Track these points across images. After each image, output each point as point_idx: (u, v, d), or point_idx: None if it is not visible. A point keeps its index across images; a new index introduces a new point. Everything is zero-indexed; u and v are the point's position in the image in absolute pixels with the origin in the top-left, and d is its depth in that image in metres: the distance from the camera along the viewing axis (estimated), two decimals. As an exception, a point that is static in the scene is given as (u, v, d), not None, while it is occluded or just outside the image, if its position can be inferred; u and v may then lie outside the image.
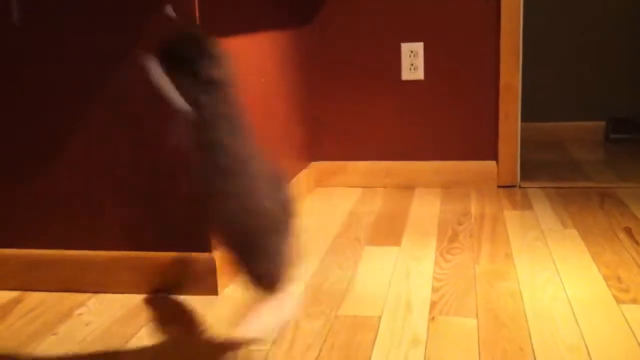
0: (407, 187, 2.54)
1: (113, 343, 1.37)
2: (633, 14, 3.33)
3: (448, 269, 1.72)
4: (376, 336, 1.36)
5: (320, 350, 1.31)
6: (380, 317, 1.45)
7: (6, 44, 1.57)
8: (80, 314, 1.52)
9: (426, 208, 2.27)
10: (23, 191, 1.64)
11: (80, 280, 1.63)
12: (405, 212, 2.23)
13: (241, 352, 1.31)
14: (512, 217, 2.13)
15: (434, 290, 1.59)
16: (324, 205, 2.35)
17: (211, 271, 1.58)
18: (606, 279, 1.61)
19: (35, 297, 1.62)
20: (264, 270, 1.05)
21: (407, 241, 1.94)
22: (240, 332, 1.04)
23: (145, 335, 1.40)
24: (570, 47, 3.38)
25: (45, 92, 1.58)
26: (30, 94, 1.59)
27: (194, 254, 1.58)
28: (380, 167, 2.55)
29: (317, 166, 2.58)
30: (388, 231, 2.04)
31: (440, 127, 2.52)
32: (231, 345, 1.35)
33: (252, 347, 1.33)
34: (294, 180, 2.31)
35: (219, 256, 1.59)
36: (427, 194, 2.45)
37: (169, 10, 1.16)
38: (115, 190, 1.60)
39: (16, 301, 1.60)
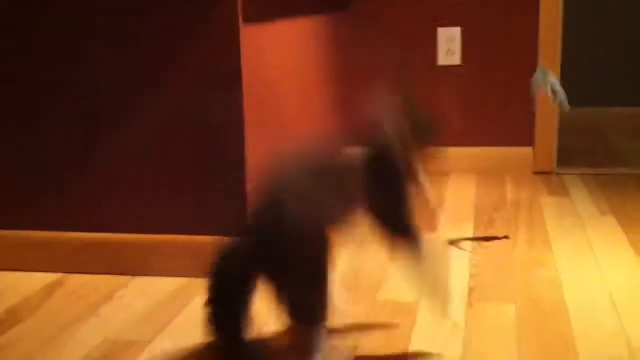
0: (443, 173, 2.53)
1: (153, 326, 1.40)
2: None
3: (485, 255, 1.71)
4: (415, 321, 1.37)
5: (361, 335, 1.32)
6: (418, 303, 1.45)
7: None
8: (122, 297, 1.54)
9: (462, 194, 2.26)
10: (67, 176, 1.66)
11: (122, 263, 1.66)
12: (441, 198, 2.23)
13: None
14: (548, 204, 2.11)
15: (472, 276, 1.59)
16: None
17: (250, 255, 1.59)
18: (647, 267, 1.60)
19: (77, 279, 1.65)
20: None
21: (443, 227, 1.93)
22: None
23: (185, 319, 1.42)
24: (614, 29, 3.32)
25: (98, 78, 1.61)
26: (85, 82, 1.61)
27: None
28: (415, 152, 2.54)
29: (351, 151, 2.58)
30: (424, 217, 2.03)
31: (477, 113, 2.50)
32: (269, 332, 1.36)
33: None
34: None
35: (257, 241, 1.61)
36: (463, 179, 2.44)
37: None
38: (158, 174, 1.62)
39: (58, 283, 1.63)
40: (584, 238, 1.80)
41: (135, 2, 1.54)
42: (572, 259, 1.67)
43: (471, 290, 1.51)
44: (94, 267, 1.68)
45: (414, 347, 1.27)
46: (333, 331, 1.26)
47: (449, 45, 2.47)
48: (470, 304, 1.44)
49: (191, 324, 1.40)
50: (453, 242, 1.63)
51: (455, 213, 2.06)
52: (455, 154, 2.52)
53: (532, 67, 2.43)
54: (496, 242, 1.78)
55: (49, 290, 1.60)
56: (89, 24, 1.57)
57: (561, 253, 1.71)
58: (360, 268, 1.66)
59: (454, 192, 2.28)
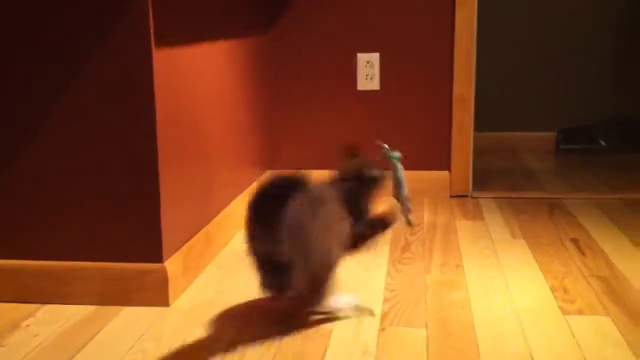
0: (362, 196, 2.55)
1: (61, 355, 1.36)
2: (583, 28, 3.41)
3: (399, 279, 1.74)
4: (327, 347, 1.37)
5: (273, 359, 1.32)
6: (332, 328, 1.46)
7: (-46, 50, 1.55)
8: (28, 326, 1.50)
9: (380, 217, 2.29)
10: (-30, 200, 1.61)
11: (29, 290, 1.61)
12: (359, 221, 2.25)
13: (191, 365, 1.31)
14: (463, 227, 2.16)
15: (385, 300, 1.60)
16: (279, 213, 2.35)
17: (162, 282, 1.57)
18: (553, 289, 1.65)
19: (-18, 307, 1.59)
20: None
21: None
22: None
23: (93, 348, 1.39)
24: (523, 59, 3.45)
25: (5, 97, 1.56)
26: (-22, 101, 1.57)
27: (146, 264, 1.57)
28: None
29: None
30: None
31: (395, 137, 2.55)
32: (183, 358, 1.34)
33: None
34: (250, 187, 2.31)
35: (170, 267, 1.59)
36: (381, 203, 2.47)
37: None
38: (64, 199, 1.58)
39: (-38, 312, 1.57)
40: (495, 261, 1.85)
41: (47, 21, 1.51)
42: (483, 282, 1.71)
43: (384, 315, 1.52)
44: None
45: (325, 373, 1.27)
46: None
47: (368, 70, 2.51)
48: (382, 329, 1.45)
49: (100, 352, 1.37)
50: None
51: (372, 236, 2.08)
52: (375, 177, 2.55)
53: (447, 93, 2.49)
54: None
55: (-49, 320, 1.53)
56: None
57: (472, 276, 1.75)
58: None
59: (373, 215, 2.30)
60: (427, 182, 2.54)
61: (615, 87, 3.43)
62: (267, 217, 1.39)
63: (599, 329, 1.44)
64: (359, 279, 1.74)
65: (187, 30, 1.75)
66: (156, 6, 1.51)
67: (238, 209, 2.15)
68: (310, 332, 1.44)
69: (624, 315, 1.50)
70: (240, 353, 1.35)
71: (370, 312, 1.52)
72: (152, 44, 1.50)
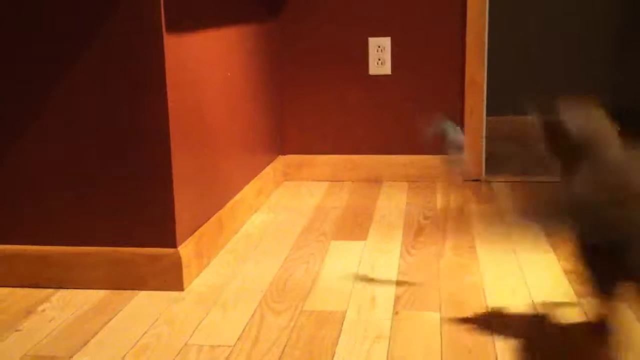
0: (375, 181, 2.55)
1: (77, 339, 1.37)
2: (598, 10, 3.38)
3: (413, 262, 1.74)
4: (340, 331, 1.37)
5: (285, 346, 1.32)
6: (345, 312, 1.46)
7: (-33, 37, 1.55)
8: (44, 310, 1.51)
9: (393, 202, 2.29)
10: (-15, 186, 1.62)
11: (44, 275, 1.62)
12: (372, 206, 2.25)
13: (205, 349, 1.32)
14: (476, 211, 2.16)
15: (399, 284, 1.60)
16: (291, 199, 2.36)
17: (176, 266, 1.57)
18: (567, 272, 1.64)
19: (-3, 293, 1.61)
20: None
21: (373, 235, 1.95)
22: None
23: (108, 332, 1.40)
24: (536, 41, 3.42)
25: (14, 80, 1.56)
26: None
27: (159, 249, 1.58)
28: (347, 160, 2.56)
29: (284, 160, 2.59)
30: (354, 225, 2.05)
31: (407, 121, 2.54)
32: (196, 343, 1.35)
33: (217, 344, 1.33)
34: (261, 174, 2.31)
35: (184, 252, 1.59)
36: (394, 187, 2.47)
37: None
38: (78, 184, 1.58)
39: (-22, 297, 1.58)
40: (509, 245, 1.85)
41: (58, 4, 1.51)
42: (496, 265, 1.70)
43: (397, 299, 1.52)
44: (15, 279, 1.63)
45: (339, 357, 1.27)
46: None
47: (379, 55, 2.50)
48: (396, 312, 1.45)
49: (115, 336, 1.37)
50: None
51: (385, 221, 2.08)
52: (387, 161, 2.55)
53: (459, 77, 2.48)
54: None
55: (-33, 305, 1.55)
56: (9, 27, 1.54)
57: (486, 259, 1.74)
58: (288, 276, 1.66)
59: (385, 200, 2.30)
60: (440, 166, 2.53)
61: (631, 70, 3.40)
62: None
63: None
64: (373, 263, 1.74)
65: (197, 16, 1.74)
66: (167, -9, 1.51)
67: (249, 195, 2.16)
68: (324, 316, 1.44)
69: (637, 297, 1.49)
70: (253, 337, 1.36)
71: None
72: (164, 29, 1.49)
